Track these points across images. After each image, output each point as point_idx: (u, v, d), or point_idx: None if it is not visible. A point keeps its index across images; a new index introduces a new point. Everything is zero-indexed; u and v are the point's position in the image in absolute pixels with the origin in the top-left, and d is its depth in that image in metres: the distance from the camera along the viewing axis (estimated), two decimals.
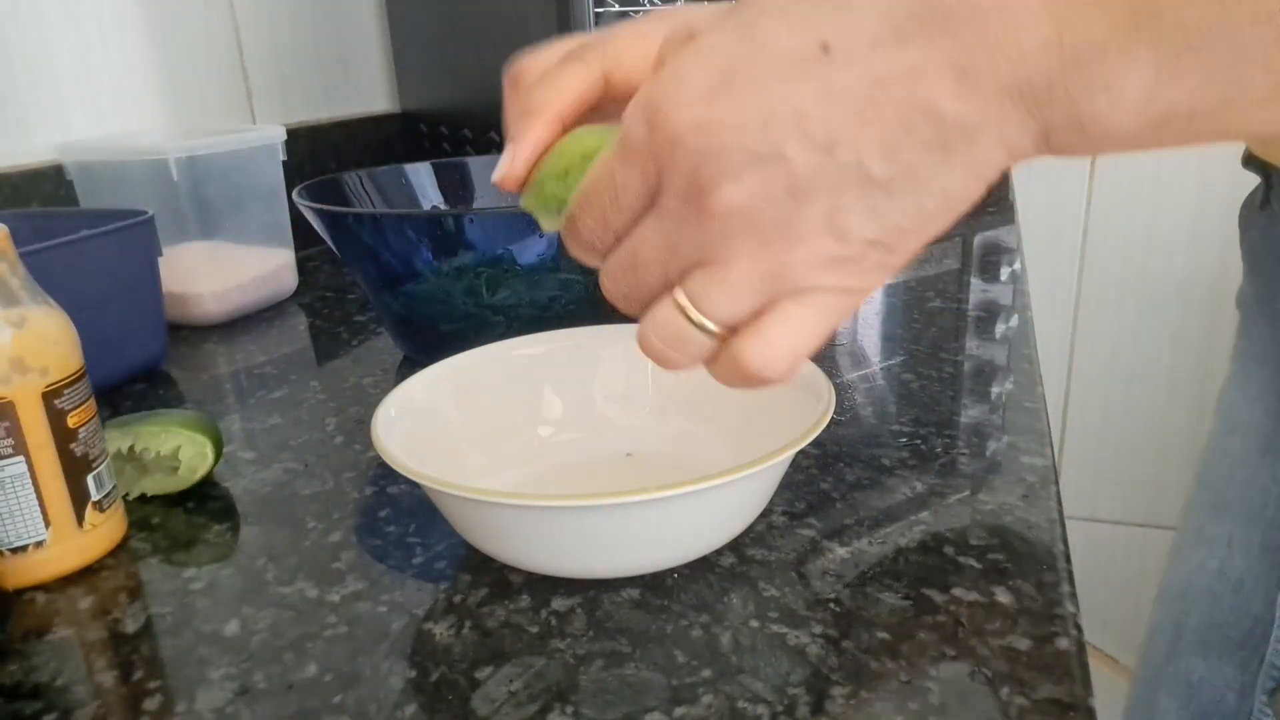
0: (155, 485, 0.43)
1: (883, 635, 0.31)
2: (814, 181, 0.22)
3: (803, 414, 0.36)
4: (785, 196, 0.22)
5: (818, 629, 0.31)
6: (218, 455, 0.44)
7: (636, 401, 0.45)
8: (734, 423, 0.42)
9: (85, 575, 0.38)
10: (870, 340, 0.60)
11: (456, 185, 0.69)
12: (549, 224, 0.30)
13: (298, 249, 0.77)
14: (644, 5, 0.80)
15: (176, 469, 0.43)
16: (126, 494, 0.43)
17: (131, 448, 0.43)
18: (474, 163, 0.71)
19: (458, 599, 0.34)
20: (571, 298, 0.53)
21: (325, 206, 0.52)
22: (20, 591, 0.37)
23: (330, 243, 0.56)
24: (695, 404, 0.44)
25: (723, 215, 0.23)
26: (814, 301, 0.24)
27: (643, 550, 0.33)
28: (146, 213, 0.57)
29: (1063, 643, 0.30)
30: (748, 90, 0.21)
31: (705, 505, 0.33)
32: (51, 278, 0.40)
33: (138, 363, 0.59)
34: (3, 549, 0.36)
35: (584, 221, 0.26)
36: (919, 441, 0.45)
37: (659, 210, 0.24)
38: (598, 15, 0.74)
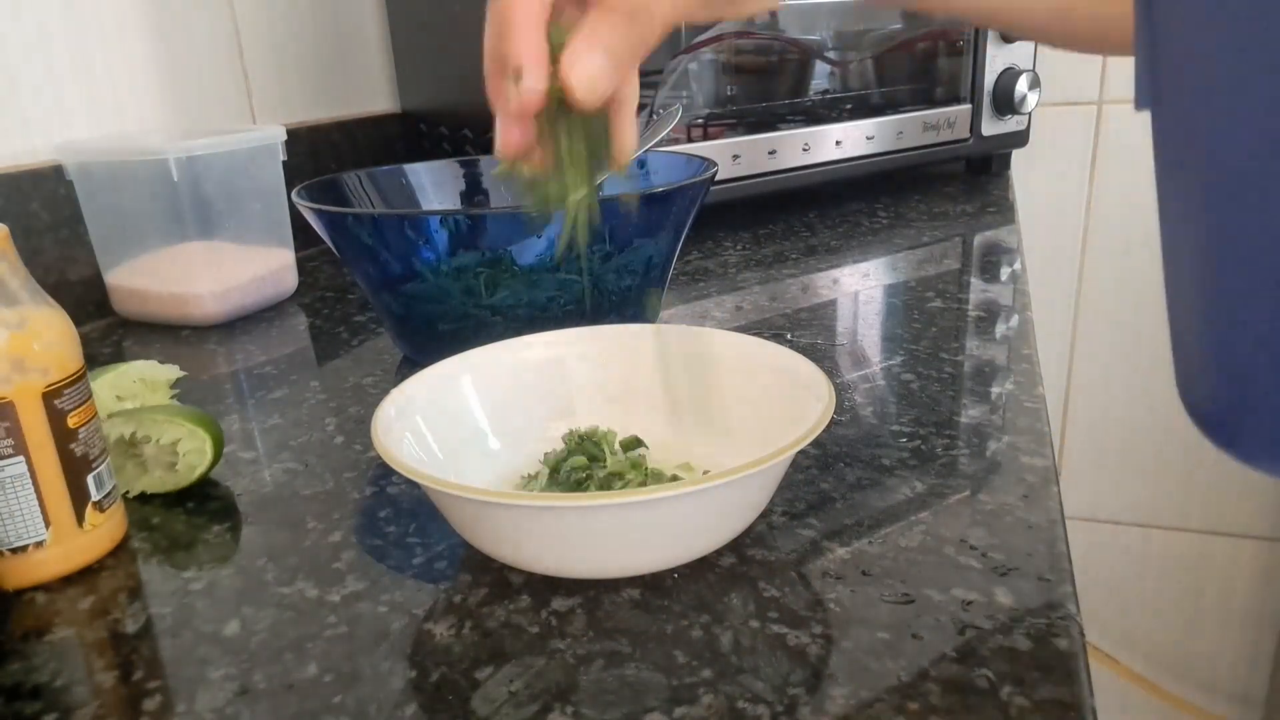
0: (155, 483, 0.43)
1: (883, 635, 0.31)
2: None
3: (803, 414, 0.36)
4: None
5: (818, 629, 0.31)
6: (217, 453, 0.44)
7: (636, 401, 0.45)
8: (734, 423, 0.42)
9: (85, 575, 0.38)
10: (870, 340, 0.60)
11: (456, 185, 0.69)
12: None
13: (298, 249, 0.77)
14: None
15: (174, 464, 0.43)
16: (126, 492, 0.43)
17: (133, 435, 0.43)
18: (475, 162, 0.71)
19: (458, 599, 0.34)
20: (570, 298, 0.53)
21: (325, 207, 0.52)
22: (20, 592, 0.37)
23: (330, 243, 0.56)
24: (694, 404, 0.44)
25: None
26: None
27: (643, 550, 0.33)
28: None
29: (1063, 643, 0.30)
30: None
31: (705, 505, 0.33)
32: None
33: None
34: (3, 549, 0.36)
35: None
36: (919, 441, 0.45)
37: None
38: None
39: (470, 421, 0.43)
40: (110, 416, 0.44)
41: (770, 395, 0.41)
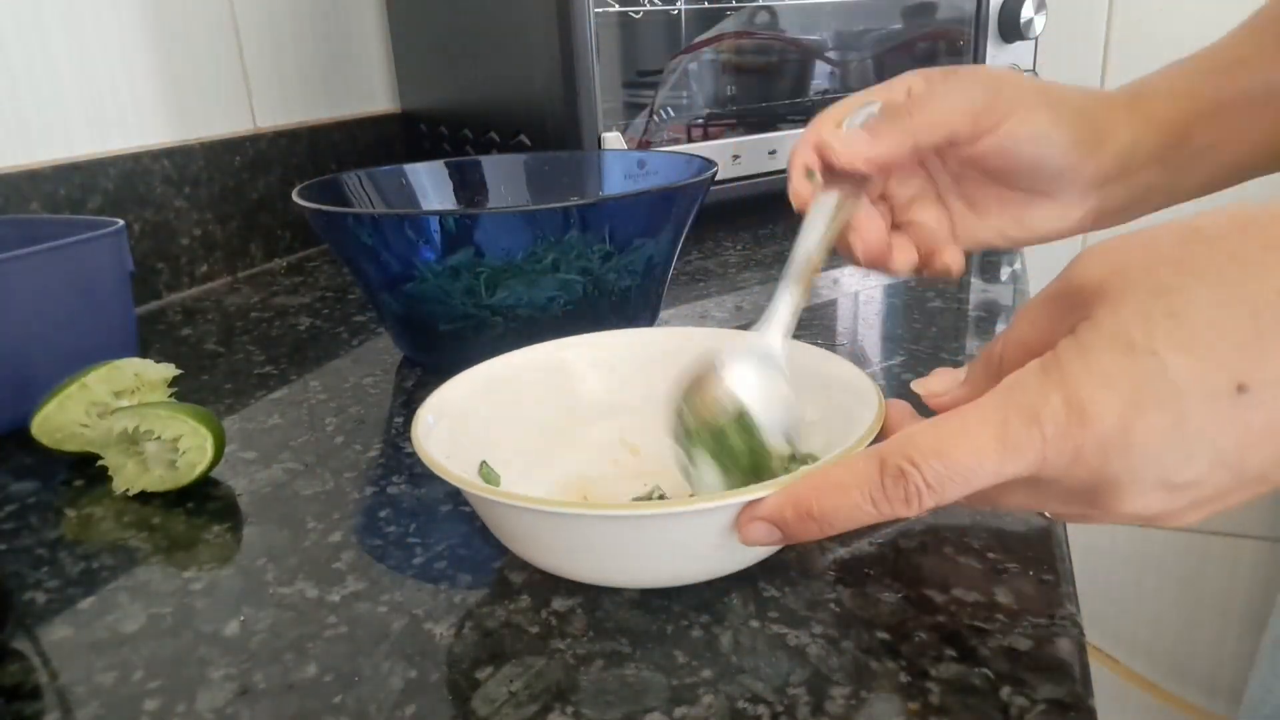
0: (155, 482, 0.43)
1: (883, 635, 0.31)
2: (1217, 497, 0.25)
3: (847, 422, 0.35)
4: (1186, 507, 0.25)
5: (818, 629, 0.31)
6: (218, 451, 0.44)
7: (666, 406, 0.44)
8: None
9: (85, 574, 0.38)
10: (870, 340, 0.60)
11: (456, 185, 0.69)
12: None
13: (298, 249, 0.77)
14: (643, 4, 0.80)
15: (175, 462, 0.43)
16: (127, 490, 0.43)
17: (136, 429, 0.43)
18: (474, 162, 0.71)
19: (458, 599, 0.34)
20: (570, 298, 0.53)
21: (325, 207, 0.52)
22: (21, 591, 0.37)
23: (330, 243, 0.56)
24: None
25: (1115, 515, 0.25)
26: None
27: (690, 560, 0.33)
28: (117, 223, 0.56)
29: (1063, 643, 0.30)
30: (1166, 423, 0.23)
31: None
32: (16, 288, 0.37)
33: None
34: None
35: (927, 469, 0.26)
36: None
37: (1036, 487, 0.26)
38: (597, 15, 0.74)
39: (505, 426, 0.41)
40: (114, 412, 0.44)
41: (820, 401, 0.39)
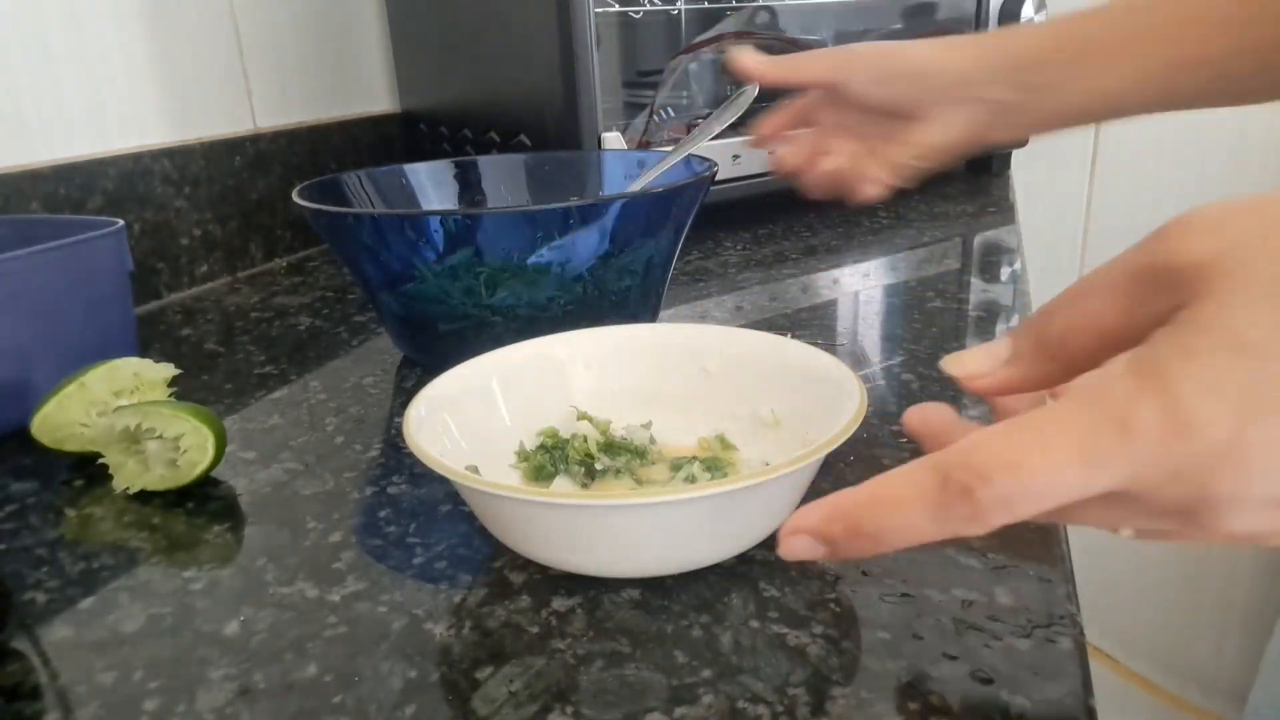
0: (155, 481, 0.43)
1: (883, 635, 0.31)
2: None
3: (833, 414, 0.36)
4: None
5: (818, 629, 0.31)
6: (219, 451, 0.44)
7: (660, 403, 0.45)
8: (761, 424, 0.42)
9: (85, 574, 0.38)
10: (870, 340, 0.60)
11: (456, 185, 0.69)
12: None
13: (298, 249, 0.77)
14: (643, 4, 0.80)
15: (175, 460, 0.43)
16: (127, 489, 0.43)
17: (138, 426, 0.43)
18: (475, 162, 0.71)
19: (458, 599, 0.34)
20: (570, 298, 0.53)
21: (325, 207, 0.52)
22: (21, 591, 0.37)
23: (330, 243, 0.56)
24: (720, 406, 0.44)
25: (1213, 535, 0.22)
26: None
27: (687, 549, 0.33)
28: (117, 223, 0.55)
29: (1063, 643, 0.30)
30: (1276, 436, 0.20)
31: (760, 500, 0.33)
32: (16, 288, 0.37)
33: None
34: None
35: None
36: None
37: (1119, 503, 0.22)
38: (597, 15, 0.74)
39: (498, 421, 0.42)
40: (116, 410, 0.44)
41: (801, 393, 0.41)
